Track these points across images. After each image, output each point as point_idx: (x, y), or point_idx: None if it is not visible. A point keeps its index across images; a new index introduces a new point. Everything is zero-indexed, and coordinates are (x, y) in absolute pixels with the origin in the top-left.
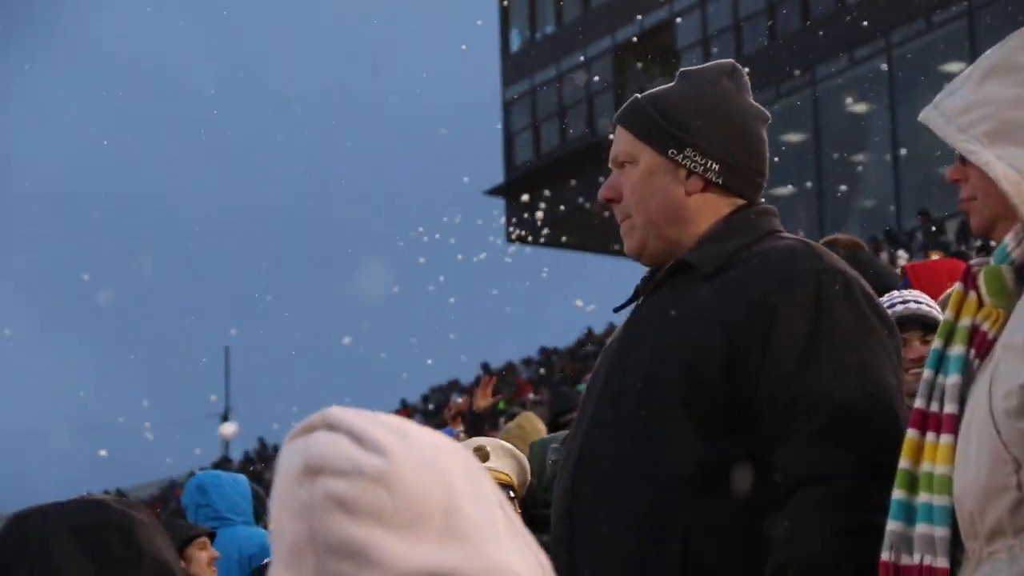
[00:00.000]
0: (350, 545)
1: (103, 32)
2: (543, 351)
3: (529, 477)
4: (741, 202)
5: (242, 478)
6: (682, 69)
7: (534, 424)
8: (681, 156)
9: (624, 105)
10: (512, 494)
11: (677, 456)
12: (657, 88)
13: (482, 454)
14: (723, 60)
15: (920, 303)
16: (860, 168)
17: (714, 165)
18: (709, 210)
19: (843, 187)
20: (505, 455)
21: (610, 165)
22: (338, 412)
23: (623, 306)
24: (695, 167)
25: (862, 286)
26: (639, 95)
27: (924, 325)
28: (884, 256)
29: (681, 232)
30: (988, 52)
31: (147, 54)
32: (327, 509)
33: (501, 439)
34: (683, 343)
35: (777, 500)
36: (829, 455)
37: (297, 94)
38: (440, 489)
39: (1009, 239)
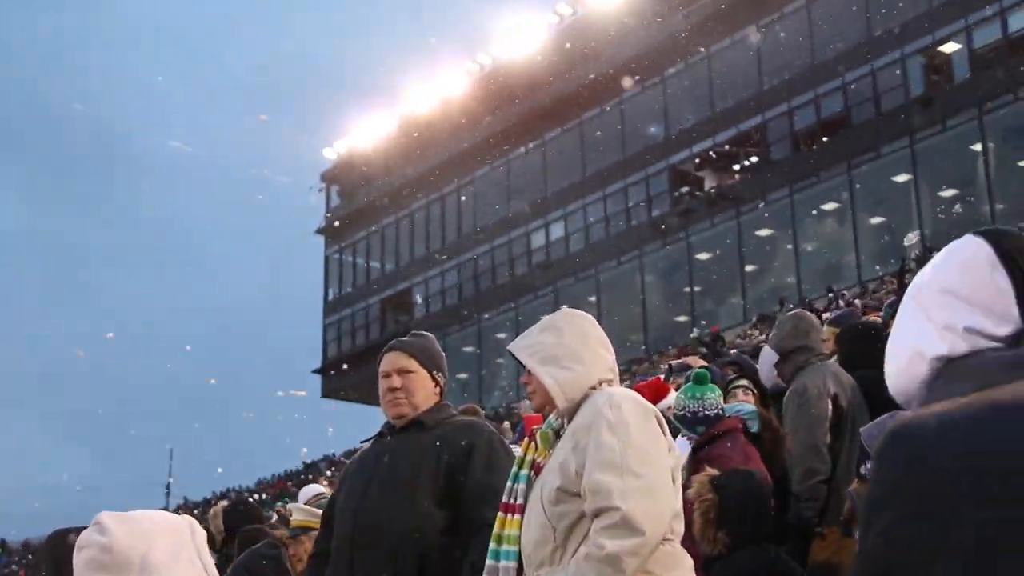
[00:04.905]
0: None
1: None
2: None
3: None
4: (440, 399)
5: None
6: (422, 332)
7: None
8: (436, 373)
9: (402, 342)
10: None
11: (420, 517)
12: (408, 336)
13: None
14: (423, 332)
15: None
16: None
17: (442, 379)
18: (432, 400)
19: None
20: None
21: (394, 372)
22: (102, 515)
23: (366, 440)
24: (440, 379)
25: (501, 438)
26: (402, 339)
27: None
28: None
29: (420, 406)
30: (544, 319)
31: None
32: (81, 567)
33: None
34: (424, 462)
35: (467, 536)
36: (486, 515)
37: None
38: (140, 548)
39: (552, 416)
